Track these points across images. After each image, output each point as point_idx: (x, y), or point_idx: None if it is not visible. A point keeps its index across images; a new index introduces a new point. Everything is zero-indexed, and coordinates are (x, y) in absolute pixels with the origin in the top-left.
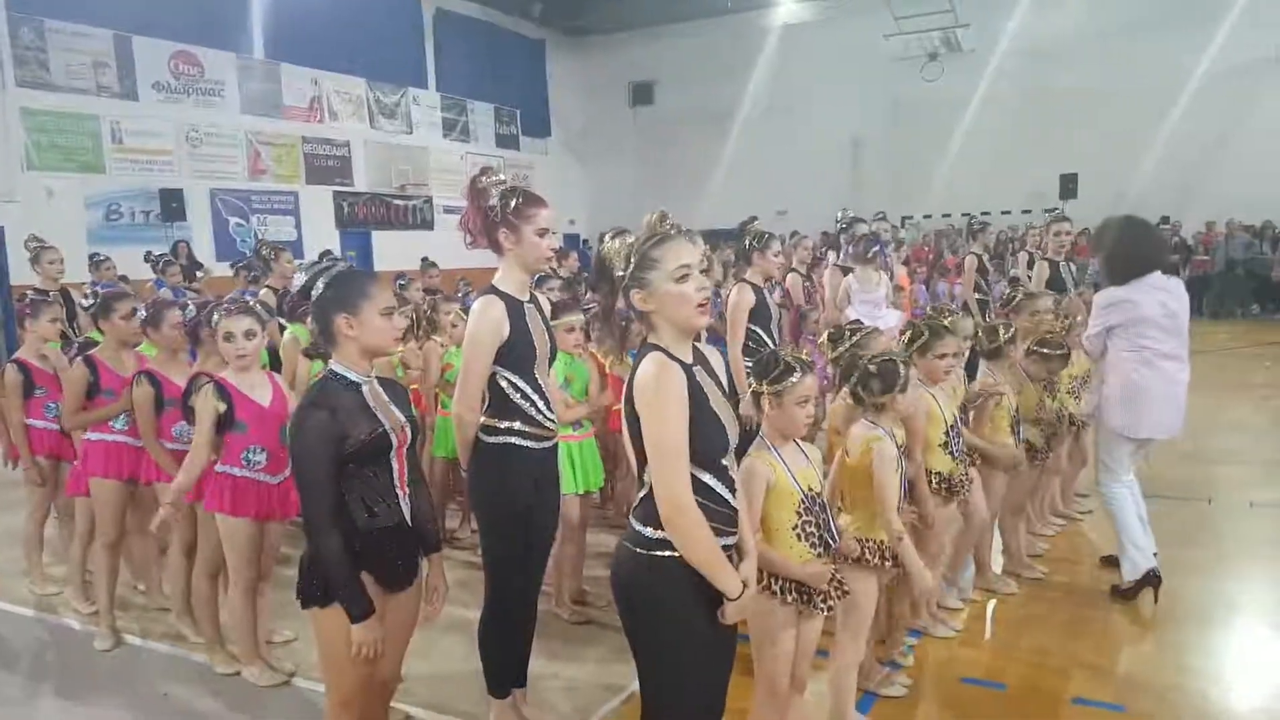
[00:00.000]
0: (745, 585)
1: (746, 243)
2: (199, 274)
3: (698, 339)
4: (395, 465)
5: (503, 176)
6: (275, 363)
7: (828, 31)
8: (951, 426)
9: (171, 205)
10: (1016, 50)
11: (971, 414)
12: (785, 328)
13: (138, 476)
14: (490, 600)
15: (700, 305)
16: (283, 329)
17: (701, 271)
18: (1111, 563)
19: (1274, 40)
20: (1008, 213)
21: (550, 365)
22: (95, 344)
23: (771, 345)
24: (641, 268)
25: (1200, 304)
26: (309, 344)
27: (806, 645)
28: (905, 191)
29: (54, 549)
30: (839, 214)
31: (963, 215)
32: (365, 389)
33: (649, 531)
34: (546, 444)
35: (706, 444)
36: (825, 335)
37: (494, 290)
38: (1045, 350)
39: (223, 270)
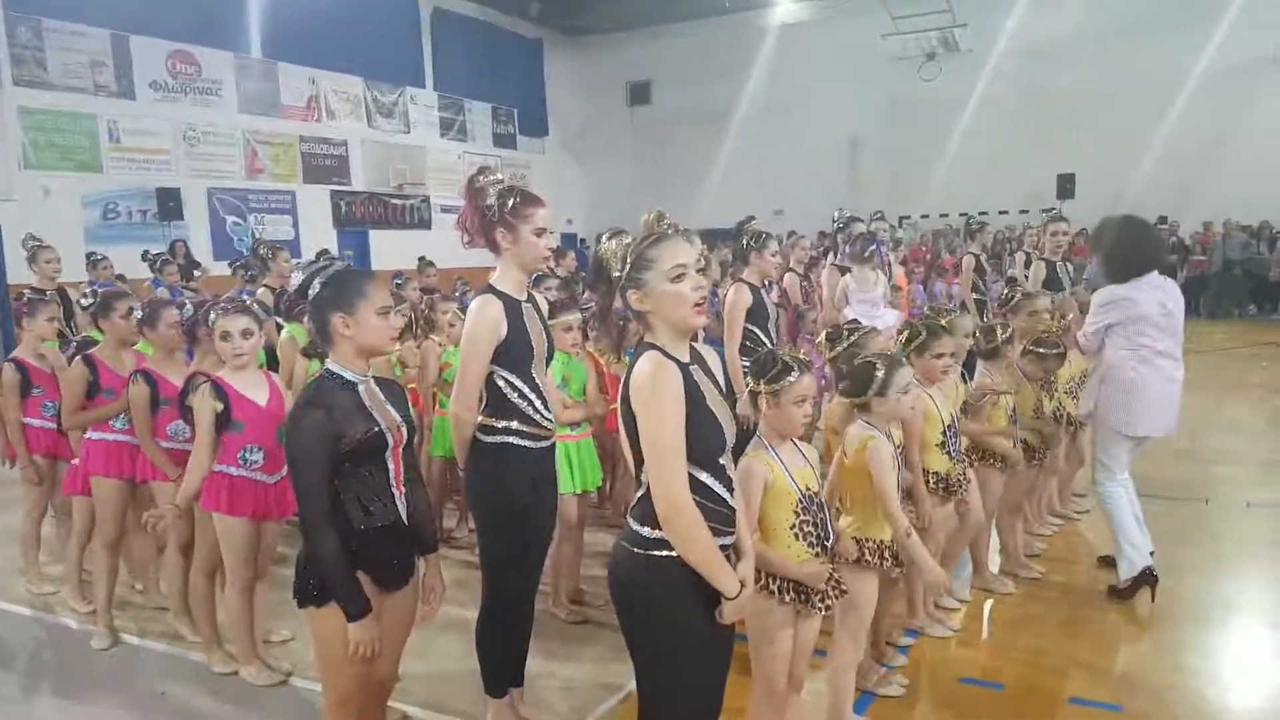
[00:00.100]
0: (743, 585)
1: (744, 242)
2: (196, 273)
3: (695, 339)
4: (391, 464)
5: (500, 176)
6: (273, 362)
7: (825, 31)
8: (949, 426)
9: (169, 204)
10: (1014, 50)
11: (970, 413)
12: (782, 327)
13: (138, 476)
14: (488, 599)
15: (697, 305)
16: (280, 328)
17: (698, 271)
18: (1109, 563)
19: (1272, 40)
20: (1005, 213)
21: (548, 365)
22: (94, 343)
23: (769, 345)
24: (638, 268)
25: (1197, 304)
26: (307, 343)
27: (804, 645)
28: (903, 191)
29: (51, 548)
30: (836, 214)
31: (960, 215)
32: (361, 388)
33: (646, 531)
34: (544, 443)
35: (704, 443)
36: (823, 335)
37: (491, 289)
38: (1041, 350)
39: (220, 269)
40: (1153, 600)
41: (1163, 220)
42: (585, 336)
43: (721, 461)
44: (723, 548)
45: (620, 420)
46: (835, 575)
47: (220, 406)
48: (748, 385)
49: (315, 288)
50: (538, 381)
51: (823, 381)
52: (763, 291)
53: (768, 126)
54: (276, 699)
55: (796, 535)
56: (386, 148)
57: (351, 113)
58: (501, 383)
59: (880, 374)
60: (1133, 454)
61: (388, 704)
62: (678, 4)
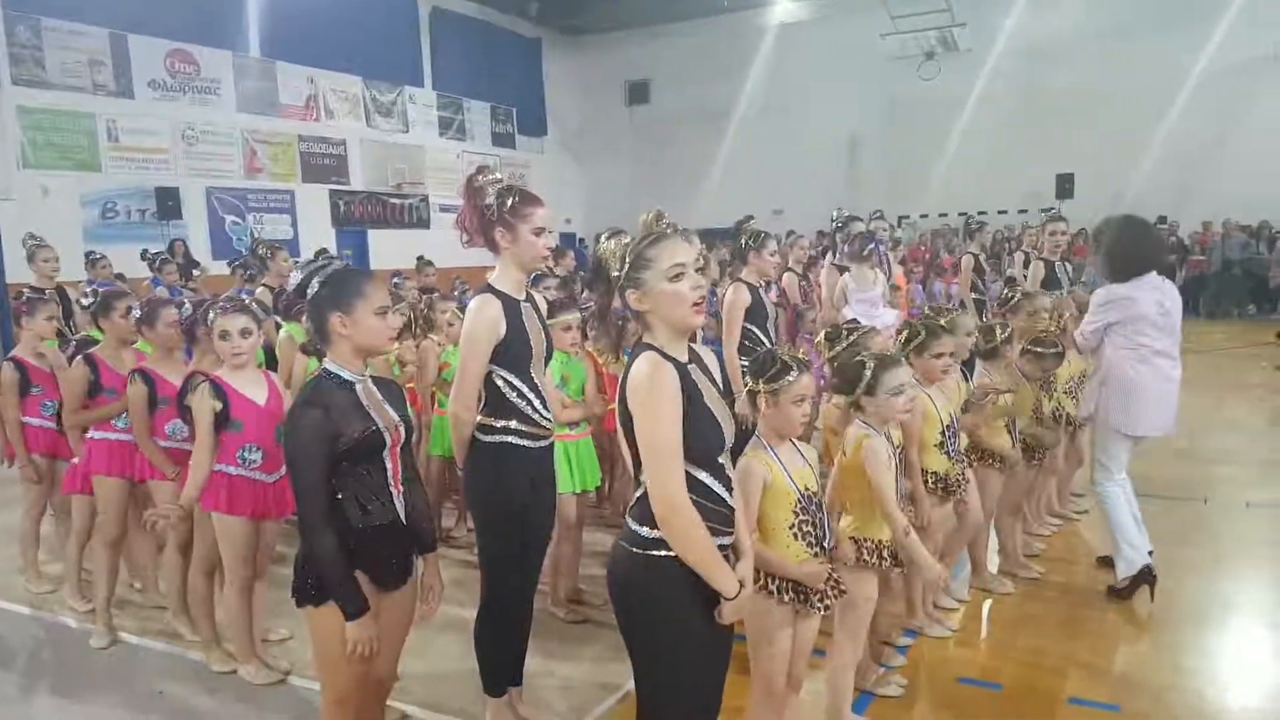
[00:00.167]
0: (742, 585)
1: (742, 242)
2: (195, 272)
3: (693, 338)
4: (389, 464)
5: (499, 175)
6: (271, 361)
7: (824, 31)
8: (948, 426)
9: (167, 203)
10: (1013, 50)
11: (970, 411)
12: (781, 327)
13: (136, 475)
14: (486, 599)
15: (695, 304)
16: (279, 327)
17: (697, 270)
18: (1107, 563)
19: (1271, 39)
20: (1004, 212)
21: (547, 364)
22: (93, 342)
23: (768, 345)
24: (636, 267)
25: (1197, 304)
26: (305, 340)
27: (803, 644)
28: (902, 191)
29: (50, 547)
30: (834, 213)
31: (959, 215)
32: (359, 388)
33: (645, 531)
34: (543, 443)
35: (702, 442)
36: (822, 335)
37: (490, 289)
38: (1039, 349)
39: (219, 269)
40: (1152, 599)
41: (1162, 220)
42: (584, 336)
43: (720, 461)
44: (721, 547)
45: (618, 421)
46: (834, 575)
47: (219, 406)
48: (746, 385)
49: (314, 286)
50: (536, 381)
51: (821, 381)
52: (761, 291)
53: (767, 126)
54: (275, 698)
55: (795, 535)
56: (385, 147)
57: (350, 112)
58: (500, 382)
59: (869, 373)
60: (1131, 454)
61: (386, 703)
62: (677, 3)
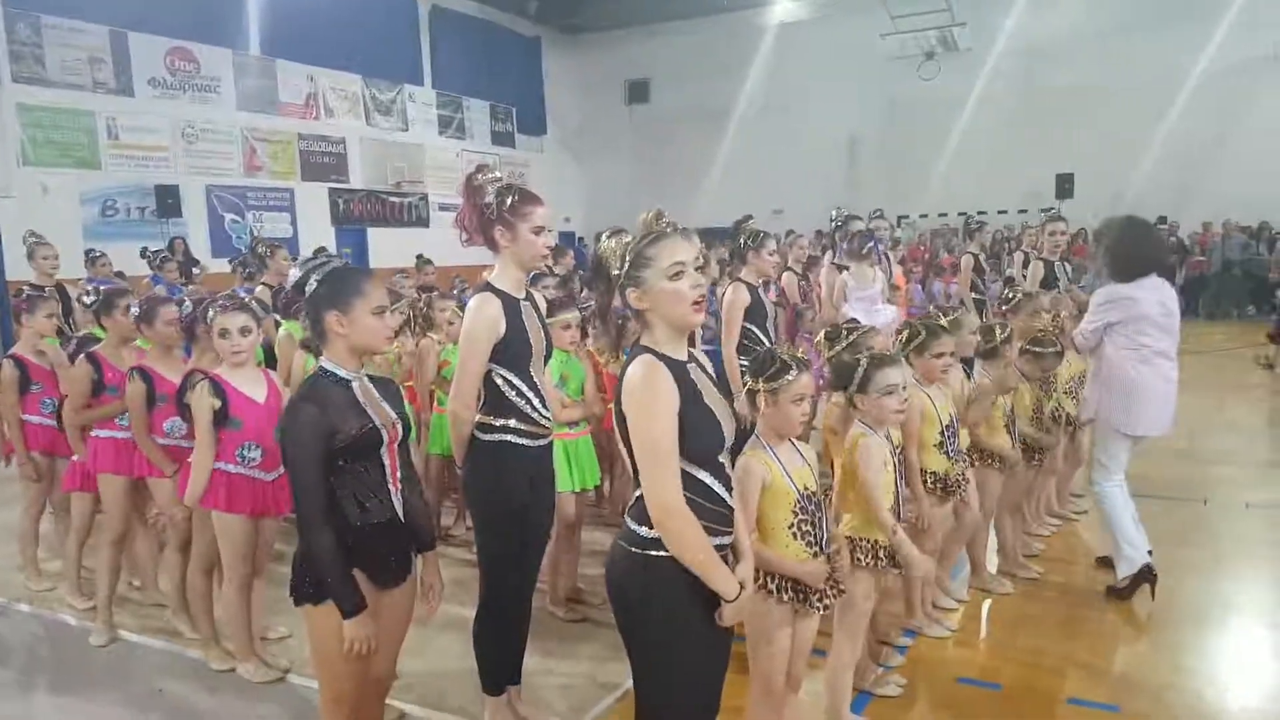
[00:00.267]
0: (742, 586)
1: (742, 241)
2: (195, 271)
3: (692, 339)
4: (387, 461)
5: (498, 174)
6: (271, 360)
7: (824, 30)
8: (947, 426)
9: (167, 201)
10: (1013, 49)
11: (971, 409)
12: (780, 326)
13: (135, 472)
14: (485, 598)
15: (695, 303)
16: (278, 325)
17: (697, 269)
18: (1106, 564)
19: (1272, 39)
20: (1004, 212)
21: (546, 363)
22: (94, 340)
23: (767, 344)
24: (636, 266)
25: (1197, 304)
26: (304, 337)
27: (802, 644)
28: (902, 191)
29: (49, 544)
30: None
31: (959, 215)
32: (355, 385)
33: (644, 530)
34: (542, 442)
35: (701, 441)
36: (822, 334)
37: (490, 288)
38: (1038, 349)
39: (218, 267)
40: (1153, 598)
41: (1162, 220)
42: (584, 335)
43: (720, 460)
44: (720, 548)
45: (615, 423)
46: (834, 574)
47: (218, 404)
48: (746, 384)
49: (312, 284)
50: (536, 380)
51: (820, 381)
52: (760, 290)
53: (766, 125)
54: (274, 696)
55: (795, 535)
56: (385, 145)
57: (350, 110)
58: (500, 381)
59: (861, 371)
60: (1130, 454)
61: (385, 701)
62: (676, 2)
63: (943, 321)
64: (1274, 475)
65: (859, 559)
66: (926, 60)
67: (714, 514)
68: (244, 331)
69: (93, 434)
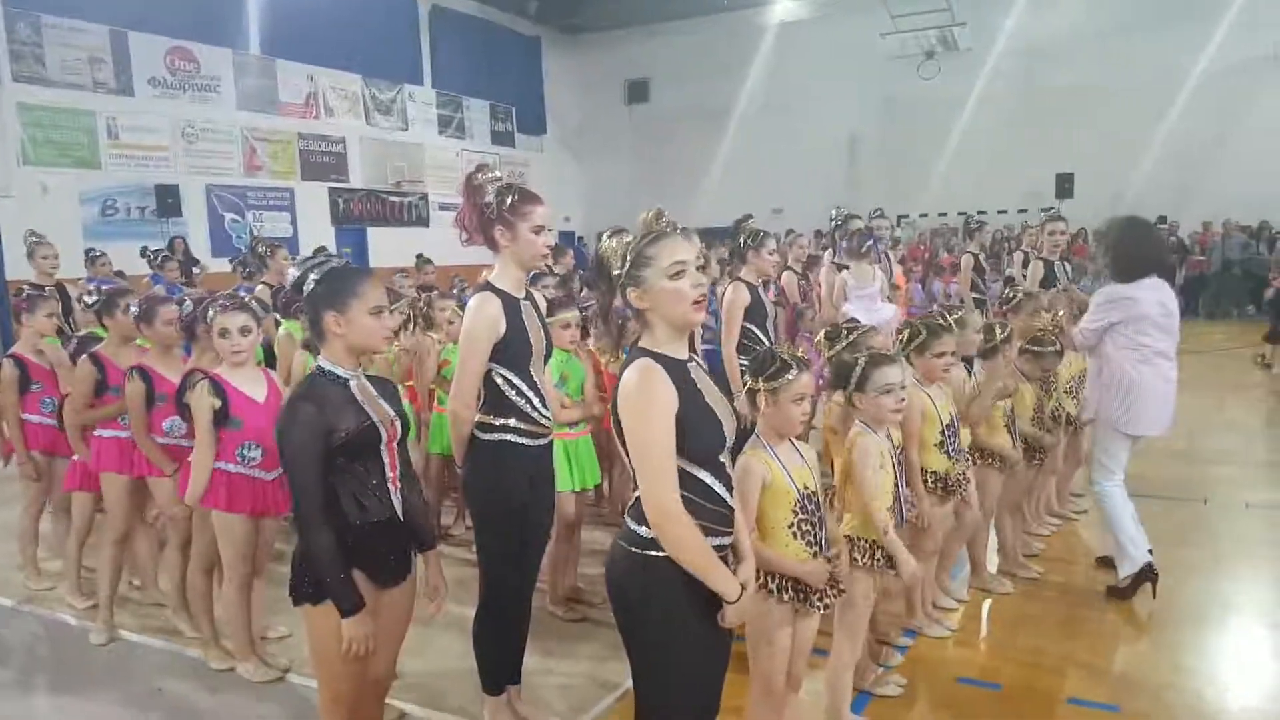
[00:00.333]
0: (743, 587)
1: (741, 241)
2: (195, 271)
3: (692, 341)
4: (387, 459)
5: (498, 173)
6: (271, 359)
7: (824, 29)
8: (948, 426)
9: (167, 201)
10: (1013, 49)
11: (973, 407)
12: (780, 326)
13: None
14: (485, 597)
15: (696, 302)
16: (278, 325)
17: (698, 268)
18: (1106, 563)
19: (1272, 39)
20: (1004, 212)
21: (546, 362)
22: (96, 339)
23: (767, 344)
24: (637, 265)
25: (1196, 304)
26: (306, 337)
27: (802, 644)
28: (901, 190)
29: (49, 544)
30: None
31: (959, 214)
32: (353, 383)
33: (643, 530)
34: (542, 441)
35: (702, 441)
36: (822, 333)
37: (490, 287)
38: (1038, 348)
39: (218, 266)
40: (1154, 596)
41: (1162, 220)
42: (584, 335)
43: (721, 460)
44: (720, 548)
45: (613, 426)
46: (834, 574)
47: (218, 403)
48: (746, 384)
49: (310, 283)
50: (536, 380)
51: (820, 380)
52: (760, 290)
53: (766, 125)
54: (273, 695)
55: (795, 534)
56: (385, 145)
57: (350, 110)
58: (500, 380)
59: (859, 369)
60: (1129, 453)
61: (385, 701)
62: (676, 2)
63: (949, 320)
64: (1274, 475)
65: (858, 559)
66: (927, 60)
67: (714, 514)
68: (244, 331)
69: (96, 433)
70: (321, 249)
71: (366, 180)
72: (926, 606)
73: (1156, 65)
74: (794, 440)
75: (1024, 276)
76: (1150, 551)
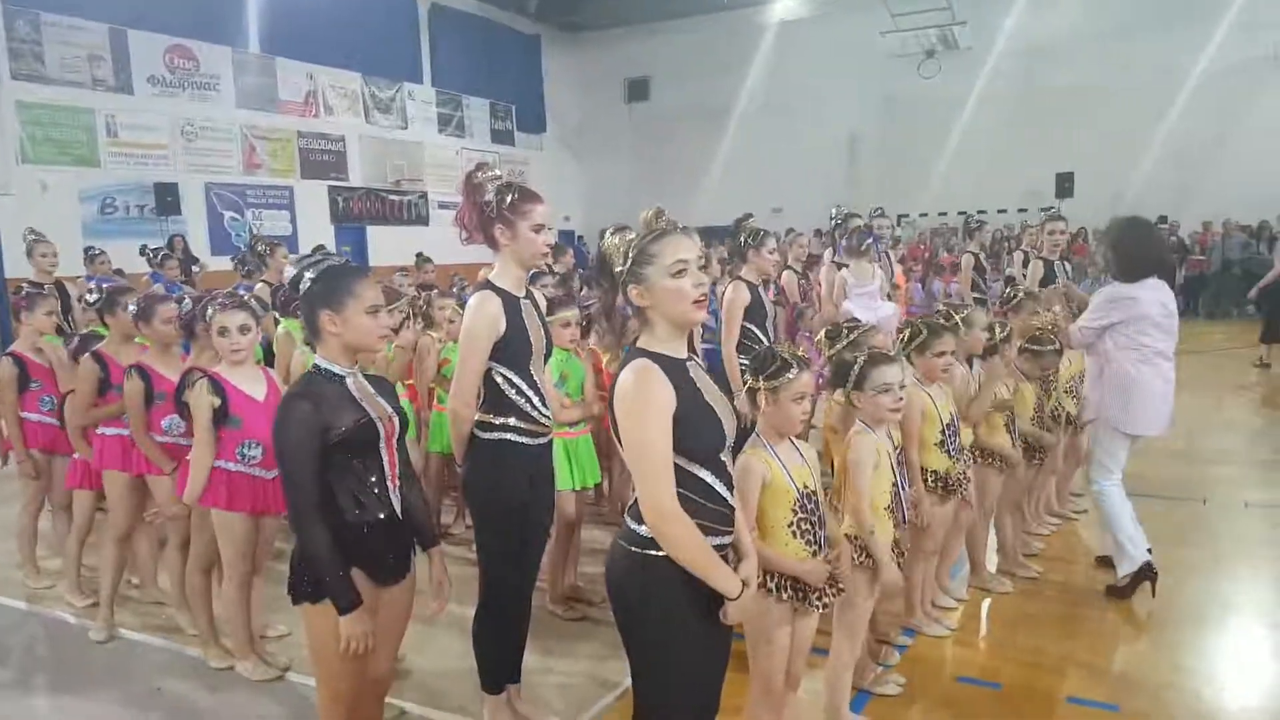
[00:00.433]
0: (745, 585)
1: (741, 240)
2: (195, 268)
3: (691, 342)
4: (386, 456)
5: (498, 172)
6: (270, 358)
7: (824, 28)
8: (948, 425)
9: (166, 199)
10: (1013, 49)
11: (973, 406)
12: (780, 325)
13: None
14: (485, 596)
15: (697, 301)
16: (277, 323)
17: (700, 268)
18: (1106, 563)
19: (1271, 39)
20: (1004, 211)
21: (546, 361)
22: (98, 338)
23: (766, 343)
24: (639, 262)
25: (1196, 304)
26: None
27: (801, 642)
28: (901, 189)
29: (48, 542)
30: (833, 211)
31: (959, 214)
32: (349, 381)
33: (643, 530)
34: (542, 440)
35: (702, 439)
36: (823, 332)
37: (490, 286)
38: (1036, 347)
39: (219, 265)
40: (1153, 595)
41: (1162, 220)
42: (584, 334)
43: (722, 458)
44: (720, 547)
45: (612, 427)
46: (833, 573)
47: (218, 402)
48: (746, 383)
49: (306, 282)
50: (536, 378)
51: (820, 379)
52: (760, 289)
53: (766, 124)
54: (273, 694)
55: (794, 533)
56: (384, 143)
57: (349, 108)
58: (500, 379)
59: (857, 368)
60: (1128, 452)
61: (385, 700)
62: (676, 0)
63: (955, 319)
64: (1273, 475)
65: (858, 558)
66: (927, 59)
67: (715, 513)
68: (243, 330)
69: (98, 431)
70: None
71: (366, 179)
72: (926, 605)
73: (1156, 65)
74: (794, 439)
75: (1024, 276)
76: (1149, 551)
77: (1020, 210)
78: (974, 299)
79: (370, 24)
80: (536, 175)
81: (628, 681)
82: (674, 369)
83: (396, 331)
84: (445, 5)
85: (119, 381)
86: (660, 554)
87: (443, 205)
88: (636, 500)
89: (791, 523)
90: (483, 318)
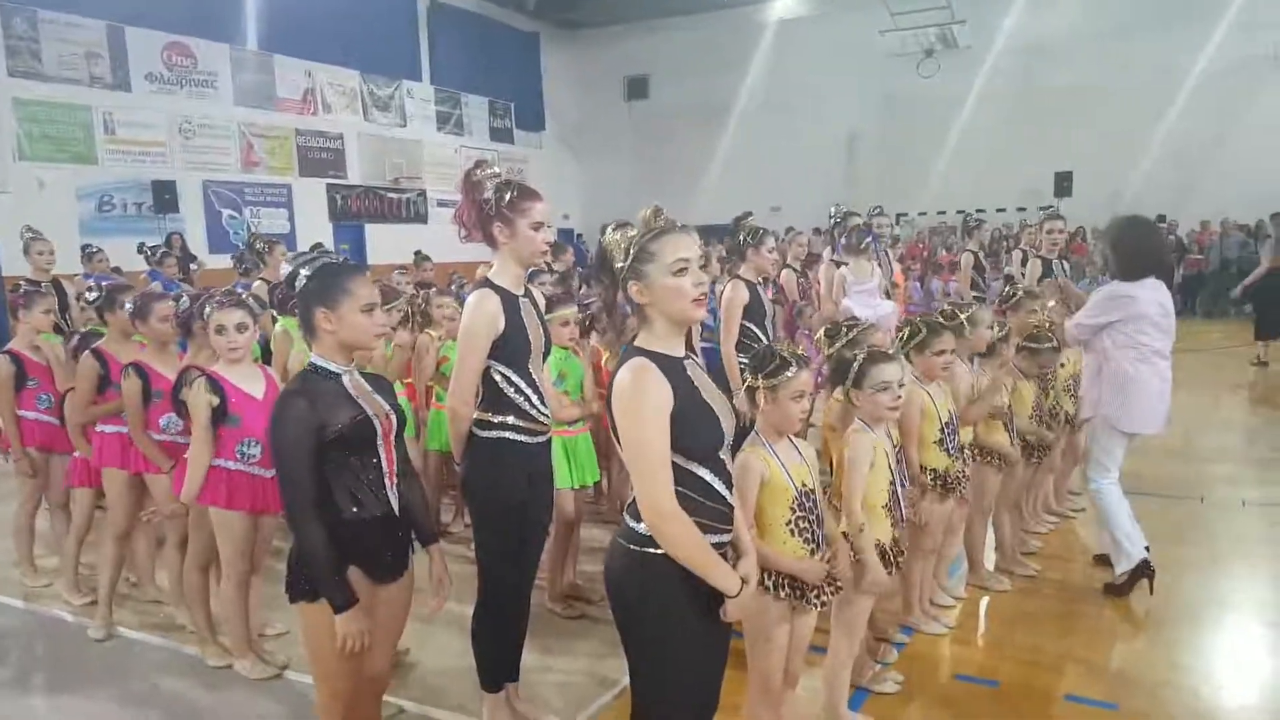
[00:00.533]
0: (745, 582)
1: (741, 238)
2: (193, 266)
3: (690, 342)
4: (383, 453)
5: (497, 170)
6: (268, 356)
7: (824, 27)
8: (947, 424)
9: (164, 197)
10: (1012, 48)
11: (973, 408)
12: (779, 324)
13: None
14: (483, 594)
15: (697, 299)
16: (275, 321)
17: (700, 267)
18: (1104, 561)
19: (1271, 39)
20: (1003, 210)
21: (545, 359)
22: (98, 336)
23: (765, 341)
24: (640, 260)
25: (1194, 303)
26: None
27: (800, 640)
28: (900, 188)
29: (45, 541)
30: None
31: (958, 213)
32: (345, 378)
33: (641, 528)
34: (540, 438)
35: (700, 438)
36: (822, 331)
37: (489, 284)
38: (1034, 345)
39: (217, 263)
40: (1151, 592)
41: (1161, 219)
42: (584, 333)
43: (721, 456)
44: (719, 545)
45: (610, 426)
46: (831, 571)
47: (216, 400)
48: (745, 381)
49: (301, 279)
50: (535, 377)
51: (819, 378)
52: (759, 288)
53: (766, 122)
54: (271, 692)
55: (793, 531)
56: (383, 141)
57: (348, 106)
58: (498, 377)
59: (856, 366)
60: (1125, 451)
61: (383, 698)
62: None
63: (960, 318)
64: (1271, 473)
65: (855, 556)
66: (926, 58)
67: (714, 511)
68: (240, 328)
69: (98, 429)
70: (318, 245)
71: (364, 176)
72: (924, 603)
73: (1155, 64)
74: (793, 438)
75: (1023, 275)
76: (1147, 549)
77: (1019, 209)
78: (973, 298)
79: (369, 21)
80: (535, 173)
81: (626, 680)
82: (671, 367)
83: (394, 329)
84: (444, 2)
85: (119, 379)
86: (659, 552)
87: (441, 203)
88: (635, 498)
89: (790, 521)
90: (481, 316)
